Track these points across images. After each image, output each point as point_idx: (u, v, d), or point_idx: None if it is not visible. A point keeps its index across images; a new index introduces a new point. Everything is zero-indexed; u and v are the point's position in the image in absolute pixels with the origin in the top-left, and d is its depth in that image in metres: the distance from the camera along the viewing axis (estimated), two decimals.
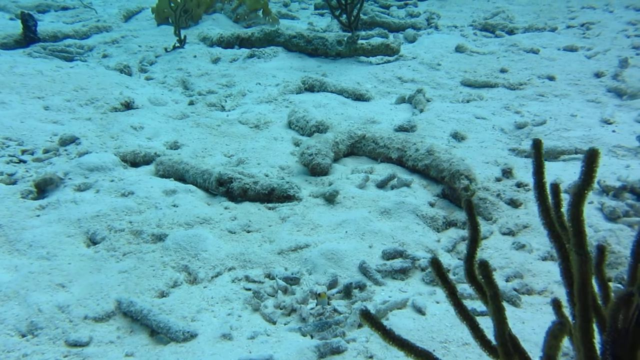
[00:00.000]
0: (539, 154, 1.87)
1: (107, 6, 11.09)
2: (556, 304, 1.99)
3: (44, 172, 4.23)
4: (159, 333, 2.80)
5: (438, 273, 1.94)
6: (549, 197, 1.90)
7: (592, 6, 9.18)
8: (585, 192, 1.67)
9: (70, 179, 4.20)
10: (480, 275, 1.88)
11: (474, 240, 1.97)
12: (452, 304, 1.95)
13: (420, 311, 2.88)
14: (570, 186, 3.99)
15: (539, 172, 1.87)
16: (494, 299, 1.84)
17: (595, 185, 4.01)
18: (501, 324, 1.85)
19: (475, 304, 2.87)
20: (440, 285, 1.95)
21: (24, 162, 4.44)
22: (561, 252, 1.87)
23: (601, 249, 1.85)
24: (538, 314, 2.87)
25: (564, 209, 1.87)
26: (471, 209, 1.97)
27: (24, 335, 2.72)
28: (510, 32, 8.24)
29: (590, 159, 1.63)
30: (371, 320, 1.86)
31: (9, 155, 4.47)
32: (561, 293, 3.06)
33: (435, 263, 1.94)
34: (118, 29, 9.23)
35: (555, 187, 1.91)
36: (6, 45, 7.93)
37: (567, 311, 1.91)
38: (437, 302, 2.96)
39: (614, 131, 4.80)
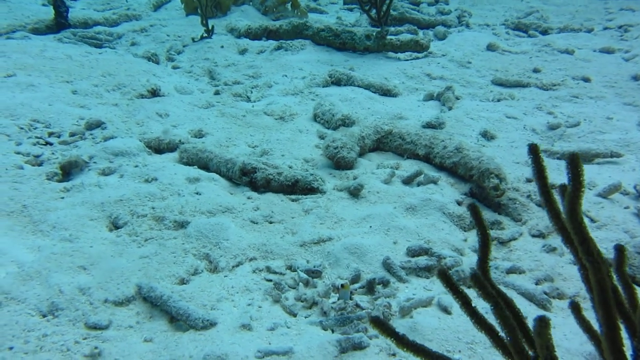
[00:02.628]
0: (537, 159, 1.76)
1: None
2: (575, 307, 1.89)
3: (69, 154, 4.24)
4: (178, 320, 2.76)
5: (448, 284, 1.85)
6: (558, 200, 1.80)
7: (631, 8, 8.91)
8: (578, 198, 1.59)
9: (95, 162, 4.20)
10: (475, 287, 1.79)
11: (485, 245, 1.87)
12: (467, 314, 1.86)
13: (445, 310, 2.79)
14: (604, 190, 3.85)
15: (540, 177, 1.77)
16: (496, 309, 1.76)
17: (632, 190, 3.86)
18: (511, 332, 1.76)
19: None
20: (452, 296, 1.85)
21: (51, 144, 4.45)
22: (578, 257, 1.77)
23: (620, 249, 1.74)
24: (570, 319, 2.75)
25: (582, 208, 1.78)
26: (477, 213, 1.89)
27: (44, 316, 2.71)
28: (544, 32, 8.04)
29: (573, 163, 1.57)
30: (382, 326, 1.78)
31: (36, 137, 4.49)
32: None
33: (442, 274, 1.84)
34: (147, 17, 9.27)
35: (564, 189, 1.81)
36: (38, 30, 8.02)
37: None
38: None
39: None
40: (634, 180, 3.97)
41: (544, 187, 1.79)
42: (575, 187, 1.58)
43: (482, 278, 1.72)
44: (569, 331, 2.66)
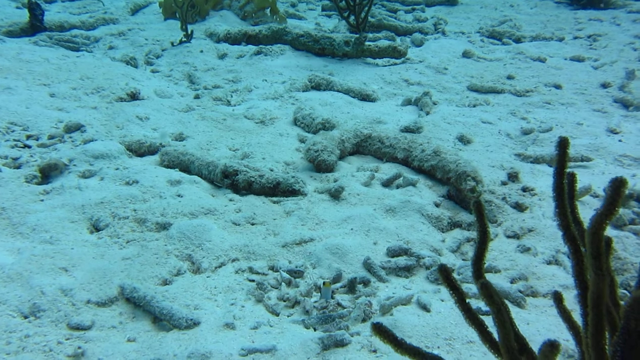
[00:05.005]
0: (563, 153, 1.79)
1: None
2: (557, 297, 1.97)
3: (48, 157, 4.21)
4: (161, 320, 2.78)
5: (446, 280, 1.87)
6: (567, 199, 1.85)
7: (599, 18, 9.21)
8: (607, 221, 1.59)
9: (74, 165, 4.18)
10: (482, 295, 1.81)
11: (483, 242, 1.92)
12: (461, 309, 1.89)
13: (425, 308, 2.87)
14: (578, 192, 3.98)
15: (560, 173, 1.79)
16: (498, 315, 1.80)
17: (601, 192, 4.01)
18: (507, 335, 1.81)
19: (480, 303, 2.86)
20: (449, 291, 1.88)
21: (29, 147, 4.42)
22: (575, 255, 1.83)
23: (607, 242, 1.82)
24: (543, 316, 2.86)
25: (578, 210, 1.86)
26: (481, 211, 1.92)
27: (26, 317, 2.70)
28: (517, 40, 8.26)
29: (616, 189, 1.54)
30: (383, 333, 1.81)
31: (14, 140, 4.45)
32: (566, 297, 3.04)
33: (443, 270, 1.88)
34: (125, 21, 9.22)
35: (572, 177, 1.85)
36: (12, 33, 7.90)
37: (575, 311, 1.90)
38: (442, 300, 2.95)
39: (620, 141, 4.81)
40: (603, 183, 4.12)
41: (560, 183, 1.82)
42: (607, 211, 1.59)
43: (491, 287, 1.73)
44: (541, 327, 2.76)
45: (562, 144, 1.78)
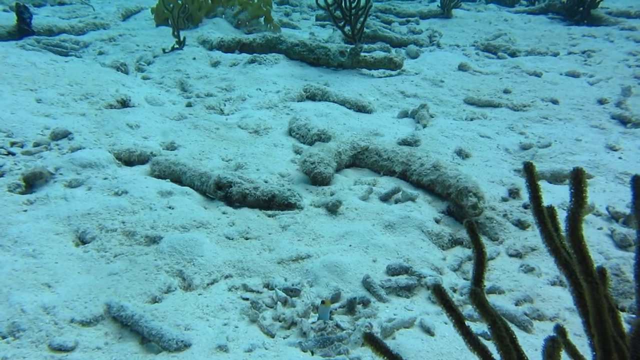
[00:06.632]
0: (532, 178, 1.73)
1: (106, 4, 10.92)
2: (560, 331, 1.86)
3: (33, 165, 4.04)
4: (150, 341, 2.62)
5: (442, 301, 1.78)
6: (550, 221, 1.77)
7: (592, 35, 9.23)
8: (580, 215, 1.56)
9: (61, 174, 4.01)
10: (473, 304, 1.72)
11: (480, 263, 1.83)
12: (460, 333, 1.79)
13: (428, 331, 2.74)
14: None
15: (535, 197, 1.73)
16: (494, 328, 1.70)
17: (604, 211, 3.92)
18: (507, 353, 1.71)
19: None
20: (446, 313, 1.78)
21: (13, 154, 4.23)
22: (572, 279, 1.74)
23: (602, 272, 1.72)
24: None
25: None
26: (474, 231, 1.83)
27: (4, 337, 2.52)
28: (512, 54, 8.23)
29: (577, 179, 1.53)
30: (376, 343, 1.71)
31: None
32: (572, 320, 2.94)
33: (437, 290, 1.78)
34: (116, 27, 9.06)
35: (552, 211, 1.78)
36: None
37: (582, 341, 1.79)
38: (446, 323, 2.82)
39: (620, 158, 4.74)
40: (605, 201, 4.04)
41: (538, 206, 1.75)
42: (576, 205, 1.54)
43: (482, 295, 1.65)
44: None
45: (529, 169, 1.70)
